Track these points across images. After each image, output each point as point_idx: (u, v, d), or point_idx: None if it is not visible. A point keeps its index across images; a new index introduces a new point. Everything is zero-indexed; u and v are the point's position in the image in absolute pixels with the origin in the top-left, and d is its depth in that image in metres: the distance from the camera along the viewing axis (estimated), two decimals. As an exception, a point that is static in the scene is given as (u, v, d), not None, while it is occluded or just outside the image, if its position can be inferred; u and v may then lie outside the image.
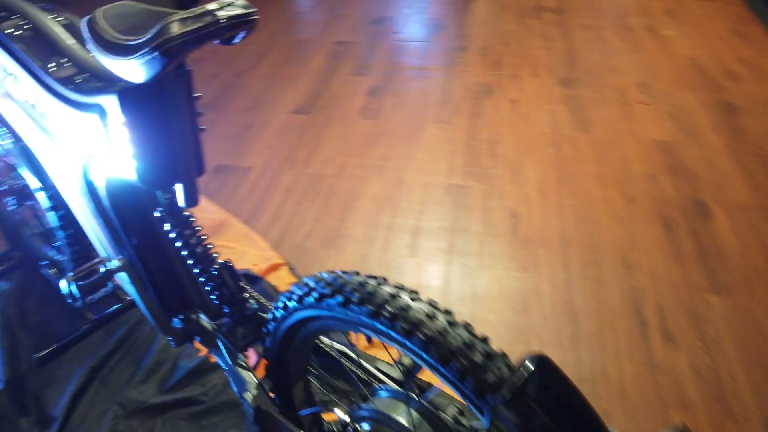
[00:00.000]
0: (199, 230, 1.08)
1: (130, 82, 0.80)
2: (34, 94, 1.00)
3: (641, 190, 2.11)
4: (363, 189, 2.20)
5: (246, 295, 1.09)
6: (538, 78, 2.87)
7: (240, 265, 1.80)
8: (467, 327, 0.70)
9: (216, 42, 0.76)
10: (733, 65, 2.87)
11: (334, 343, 1.10)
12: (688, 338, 1.59)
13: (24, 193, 1.52)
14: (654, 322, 1.63)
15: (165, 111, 0.85)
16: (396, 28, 3.54)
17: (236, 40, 0.79)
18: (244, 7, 0.75)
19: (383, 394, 0.95)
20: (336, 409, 1.08)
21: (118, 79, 0.84)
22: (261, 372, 1.08)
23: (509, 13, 3.59)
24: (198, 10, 0.72)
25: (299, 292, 0.86)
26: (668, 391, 1.46)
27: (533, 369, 0.59)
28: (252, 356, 1.42)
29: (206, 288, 1.09)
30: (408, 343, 0.71)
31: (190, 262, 1.06)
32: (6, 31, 1.01)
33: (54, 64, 0.97)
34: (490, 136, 2.47)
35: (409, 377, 0.98)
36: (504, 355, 0.68)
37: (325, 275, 0.85)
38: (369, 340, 0.86)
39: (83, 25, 0.82)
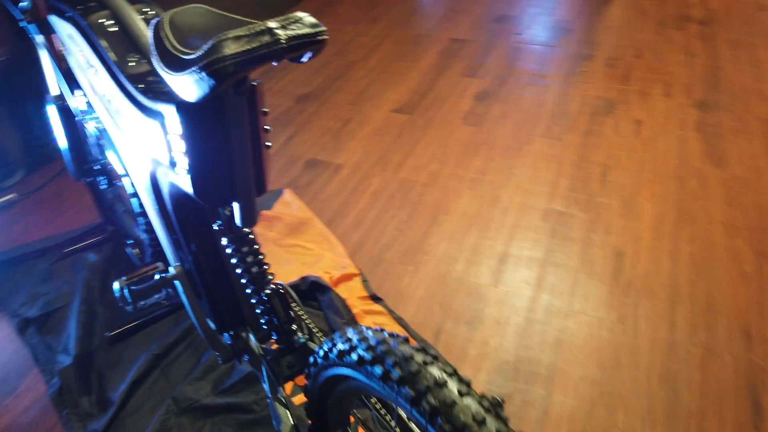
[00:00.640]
0: (257, 248, 1.01)
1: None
2: (110, 90, 0.98)
3: (779, 245, 1.80)
4: (453, 202, 2.06)
5: (294, 326, 1.01)
6: (671, 98, 2.56)
7: (314, 269, 1.74)
8: None
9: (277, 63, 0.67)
10: None
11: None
12: (815, 440, 1.31)
13: (113, 175, 1.55)
14: (773, 412, 1.37)
15: (225, 127, 0.77)
16: (518, 29, 3.32)
17: (303, 59, 0.69)
18: (312, 25, 0.65)
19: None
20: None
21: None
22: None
23: (648, 21, 3.24)
24: (257, 26, 0.63)
25: (341, 346, 0.76)
26: (780, 502, 1.21)
27: None
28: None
29: (257, 311, 1.02)
30: None
31: (243, 281, 1.00)
32: (91, 23, 0.98)
33: (130, 62, 0.94)
34: (604, 159, 2.22)
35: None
36: None
37: (370, 334, 0.74)
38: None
39: (150, 27, 0.76)
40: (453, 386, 0.62)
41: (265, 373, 1.03)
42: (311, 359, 0.86)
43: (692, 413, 1.38)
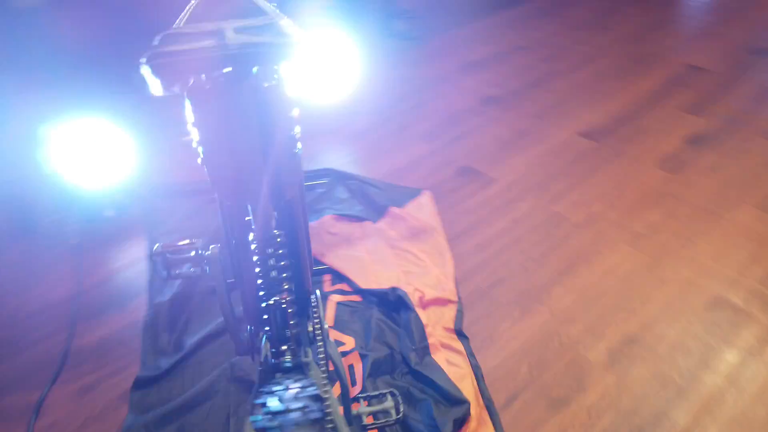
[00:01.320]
0: (281, 253, 0.94)
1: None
2: None
3: None
4: (601, 254, 1.75)
5: (285, 348, 0.93)
6: None
7: (411, 282, 1.63)
8: None
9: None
10: None
11: None
12: None
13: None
14: None
15: (228, 126, 0.71)
16: (781, 66, 2.67)
17: (273, 73, 0.59)
18: (280, 35, 0.54)
19: None
20: None
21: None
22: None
23: None
24: (209, 26, 0.54)
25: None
26: None
27: None
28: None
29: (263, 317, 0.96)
30: None
31: (258, 281, 0.95)
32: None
33: None
34: (831, 255, 1.68)
35: None
36: None
37: (289, 396, 0.63)
38: None
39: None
40: None
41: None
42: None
43: None
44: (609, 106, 2.49)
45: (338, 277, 1.68)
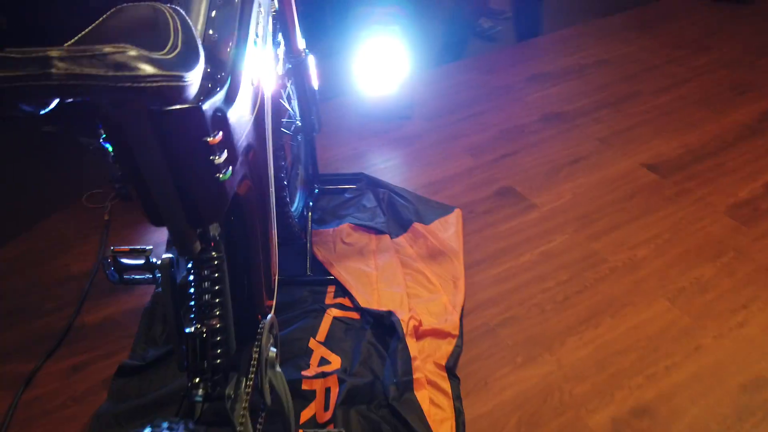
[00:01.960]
0: (217, 277, 0.89)
1: None
2: None
3: None
4: (634, 306, 1.56)
5: (198, 380, 0.88)
6: None
7: (418, 307, 1.54)
8: None
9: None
10: None
11: None
12: None
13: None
14: None
15: (131, 148, 0.67)
16: None
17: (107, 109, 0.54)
18: (119, 67, 0.48)
19: None
20: None
21: None
22: None
23: None
24: (40, 51, 0.48)
25: None
26: None
27: None
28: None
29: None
30: None
31: (191, 303, 0.90)
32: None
33: None
34: None
35: None
36: None
37: None
38: None
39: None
40: None
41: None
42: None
43: None
44: (687, 138, 2.23)
45: (341, 290, 1.62)
